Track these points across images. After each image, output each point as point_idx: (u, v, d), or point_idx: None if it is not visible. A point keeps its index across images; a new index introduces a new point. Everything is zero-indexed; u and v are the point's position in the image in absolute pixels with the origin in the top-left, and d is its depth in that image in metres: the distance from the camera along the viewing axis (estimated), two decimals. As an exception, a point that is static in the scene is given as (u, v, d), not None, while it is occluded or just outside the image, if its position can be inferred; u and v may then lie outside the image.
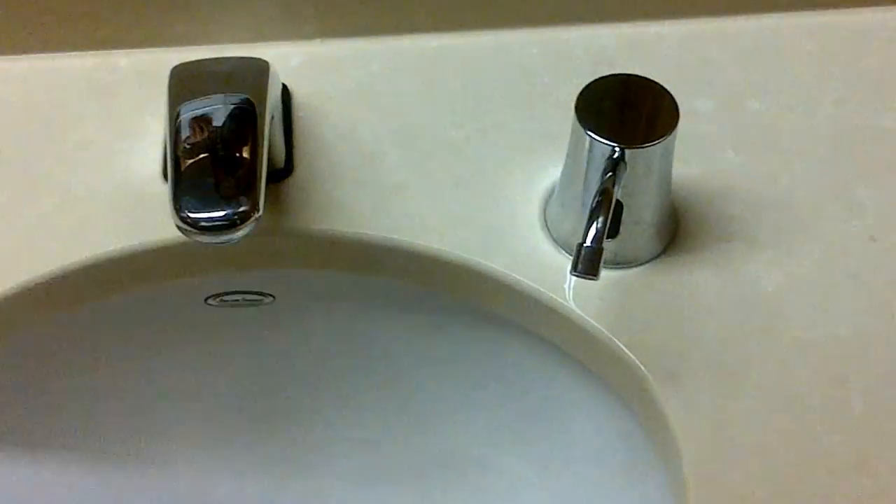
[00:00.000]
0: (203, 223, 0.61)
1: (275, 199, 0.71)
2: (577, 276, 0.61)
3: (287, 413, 0.81)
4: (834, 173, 0.74)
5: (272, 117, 0.67)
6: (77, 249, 0.69)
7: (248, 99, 0.65)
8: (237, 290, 0.74)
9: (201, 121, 0.64)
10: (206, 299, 0.74)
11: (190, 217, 0.61)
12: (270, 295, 0.75)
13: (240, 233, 0.62)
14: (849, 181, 0.73)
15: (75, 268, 0.69)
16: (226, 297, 0.74)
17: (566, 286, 0.69)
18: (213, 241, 0.62)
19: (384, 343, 0.77)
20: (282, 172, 0.72)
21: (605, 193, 0.63)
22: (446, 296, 0.72)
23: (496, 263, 0.70)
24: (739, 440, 0.64)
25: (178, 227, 0.62)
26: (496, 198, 0.72)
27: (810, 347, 0.67)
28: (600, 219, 0.62)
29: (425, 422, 0.80)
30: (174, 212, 0.62)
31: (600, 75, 0.67)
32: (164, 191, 0.68)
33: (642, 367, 0.66)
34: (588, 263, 0.61)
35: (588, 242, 0.61)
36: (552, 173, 0.72)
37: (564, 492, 0.76)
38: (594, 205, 0.63)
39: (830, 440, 0.64)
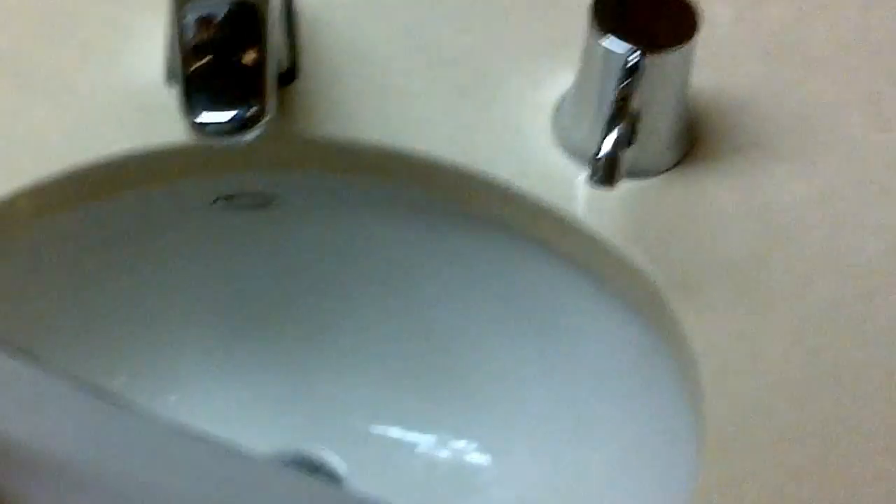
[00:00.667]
0: (213, 125, 0.61)
1: (280, 103, 0.69)
2: (593, 185, 0.60)
3: (291, 318, 0.80)
4: (859, 82, 0.72)
5: (277, 19, 0.66)
6: (82, 151, 0.68)
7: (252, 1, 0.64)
8: (244, 192, 0.74)
9: (208, 22, 0.63)
10: (213, 201, 0.74)
11: (200, 119, 0.61)
12: (277, 198, 0.74)
13: (250, 135, 0.61)
14: (875, 90, 0.72)
15: (80, 169, 0.68)
16: (232, 200, 0.74)
17: (578, 196, 0.67)
18: (223, 143, 0.62)
19: (393, 246, 0.76)
20: (286, 77, 0.71)
21: (623, 100, 0.62)
22: (455, 203, 0.71)
23: (504, 172, 0.68)
24: (759, 354, 0.63)
25: (188, 129, 0.61)
26: (505, 105, 0.71)
27: (834, 262, 0.65)
28: (618, 126, 0.61)
29: (432, 329, 0.79)
30: (184, 113, 0.61)
31: (618, -22, 0.65)
32: (170, 92, 0.68)
33: (659, 280, 0.65)
34: (605, 172, 0.60)
35: (606, 151, 0.60)
36: (564, 80, 0.71)
37: (575, 404, 0.76)
38: (612, 113, 0.61)
39: (854, 356, 0.63)
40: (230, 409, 0.79)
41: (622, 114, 0.61)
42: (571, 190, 0.68)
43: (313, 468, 0.77)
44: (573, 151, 0.69)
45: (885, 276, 0.65)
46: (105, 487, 0.45)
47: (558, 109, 0.70)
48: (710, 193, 0.67)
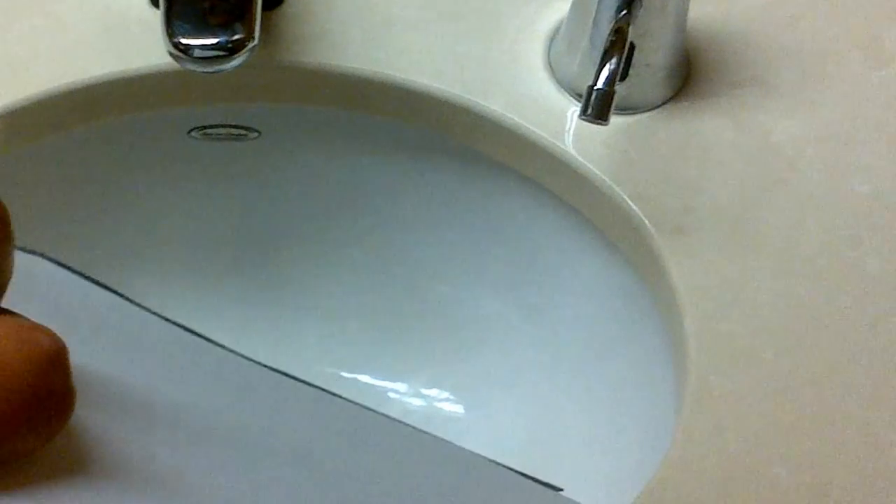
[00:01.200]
0: (196, 50, 0.59)
1: (264, 29, 0.67)
2: (586, 120, 0.58)
3: (270, 250, 0.79)
4: (861, 18, 0.70)
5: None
6: (61, 74, 0.66)
7: None
8: (221, 123, 0.72)
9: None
10: (189, 132, 0.72)
11: (182, 43, 0.59)
12: (256, 130, 0.72)
13: (234, 62, 0.60)
14: (877, 27, 0.70)
15: (58, 93, 0.66)
16: (209, 131, 0.72)
17: (568, 130, 0.65)
18: (206, 69, 0.60)
19: (373, 182, 0.75)
20: (272, 0, 0.69)
21: (619, 32, 0.60)
22: (440, 137, 0.70)
23: (494, 104, 0.67)
24: (746, 299, 0.61)
25: (171, 54, 0.60)
26: (498, 34, 0.69)
27: (826, 204, 0.64)
28: (614, 59, 0.59)
29: (415, 264, 0.78)
30: (166, 37, 0.60)
31: None
32: (152, 16, 0.67)
33: (646, 220, 0.63)
34: (599, 107, 0.58)
35: (600, 84, 0.58)
36: (559, 8, 0.69)
37: (556, 343, 0.75)
38: (607, 44, 0.60)
39: (843, 301, 0.61)
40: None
41: (618, 46, 0.59)
42: (562, 124, 0.66)
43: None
44: (566, 83, 0.67)
45: (876, 218, 0.63)
46: (185, 425, 0.44)
47: (553, 39, 0.68)
48: (703, 131, 0.66)
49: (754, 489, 0.56)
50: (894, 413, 0.58)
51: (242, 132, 0.72)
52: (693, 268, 0.62)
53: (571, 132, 0.66)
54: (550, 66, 0.68)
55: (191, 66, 0.59)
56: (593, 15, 0.63)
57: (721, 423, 0.58)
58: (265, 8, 0.67)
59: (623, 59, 0.59)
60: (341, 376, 0.78)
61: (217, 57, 0.59)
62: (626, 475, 0.66)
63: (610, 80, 0.58)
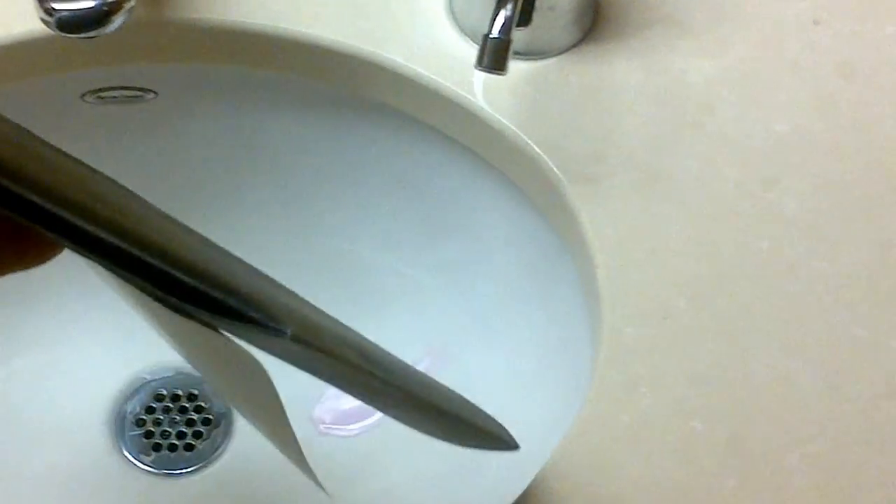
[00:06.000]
0: (67, 15, 0.57)
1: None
2: (482, 70, 0.56)
3: (173, 212, 0.76)
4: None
5: None
6: None
7: None
8: (115, 85, 0.69)
9: None
10: (81, 96, 0.69)
11: (54, 8, 0.57)
12: (152, 91, 0.69)
13: (112, 25, 0.57)
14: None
15: None
16: (103, 94, 0.69)
17: (474, 80, 0.63)
18: (81, 35, 0.57)
19: (275, 141, 0.73)
20: None
21: None
22: (344, 91, 0.67)
23: (395, 55, 0.64)
24: (659, 248, 0.59)
25: (43, 21, 0.57)
26: (397, -18, 0.67)
27: (742, 145, 0.62)
28: (508, 6, 0.57)
29: (322, 224, 0.76)
30: (37, 2, 0.57)
31: None
32: None
33: (556, 169, 0.61)
34: (494, 57, 0.56)
35: (494, 34, 0.56)
36: (461, -47, 0.66)
37: (474, 297, 0.73)
38: None
39: (760, 246, 0.59)
40: (106, 318, 0.75)
41: (511, -8, 0.57)
42: (467, 74, 0.64)
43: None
44: (469, 31, 0.65)
45: (794, 157, 0.62)
46: None
47: (453, -14, 0.66)
48: (614, 74, 0.64)
49: (670, 443, 0.55)
50: (811, 360, 0.57)
51: (138, 93, 0.69)
52: (605, 217, 0.60)
53: (478, 81, 0.63)
54: (453, 13, 0.65)
55: (63, 33, 0.57)
56: (490, -42, 0.60)
57: (635, 376, 0.56)
58: (151, -36, 0.65)
59: (518, 6, 0.56)
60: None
61: (92, 21, 0.56)
62: (544, 429, 0.64)
63: (505, 29, 0.56)
